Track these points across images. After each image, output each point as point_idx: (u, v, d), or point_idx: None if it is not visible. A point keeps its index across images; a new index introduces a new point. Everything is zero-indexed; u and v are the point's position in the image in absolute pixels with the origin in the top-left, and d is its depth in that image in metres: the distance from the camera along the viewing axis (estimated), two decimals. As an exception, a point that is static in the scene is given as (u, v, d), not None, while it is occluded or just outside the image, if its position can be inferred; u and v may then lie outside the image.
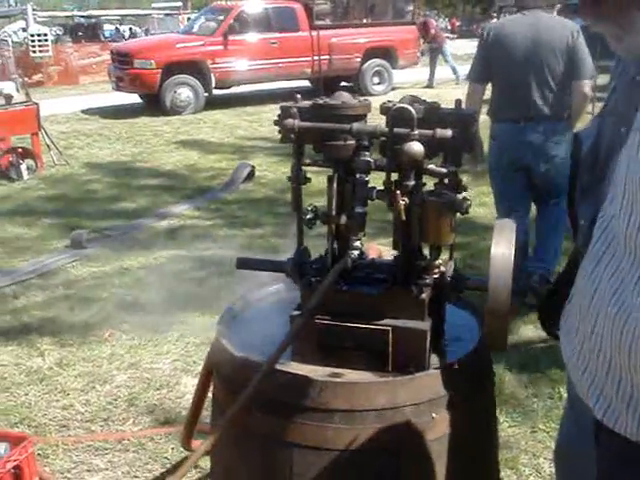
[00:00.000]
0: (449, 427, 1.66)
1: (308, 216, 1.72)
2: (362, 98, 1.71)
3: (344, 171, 1.67)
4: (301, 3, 14.03)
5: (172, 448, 3.25)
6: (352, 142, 1.62)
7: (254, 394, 1.52)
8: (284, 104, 1.68)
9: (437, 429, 1.64)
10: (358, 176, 1.59)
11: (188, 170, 9.02)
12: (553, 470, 3.04)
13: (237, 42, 13.54)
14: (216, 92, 13.98)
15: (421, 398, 1.61)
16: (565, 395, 3.49)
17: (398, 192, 1.52)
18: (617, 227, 1.26)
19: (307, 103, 1.69)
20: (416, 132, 1.51)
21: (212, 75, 13.38)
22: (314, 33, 12.91)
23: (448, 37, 24.23)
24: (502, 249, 1.56)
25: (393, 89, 15.40)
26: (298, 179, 1.72)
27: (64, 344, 4.35)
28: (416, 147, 1.50)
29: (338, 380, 1.61)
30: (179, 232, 6.49)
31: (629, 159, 1.26)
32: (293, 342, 1.69)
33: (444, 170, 1.51)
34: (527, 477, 3.02)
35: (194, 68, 13.27)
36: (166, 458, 3.19)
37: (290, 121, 1.62)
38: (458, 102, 1.59)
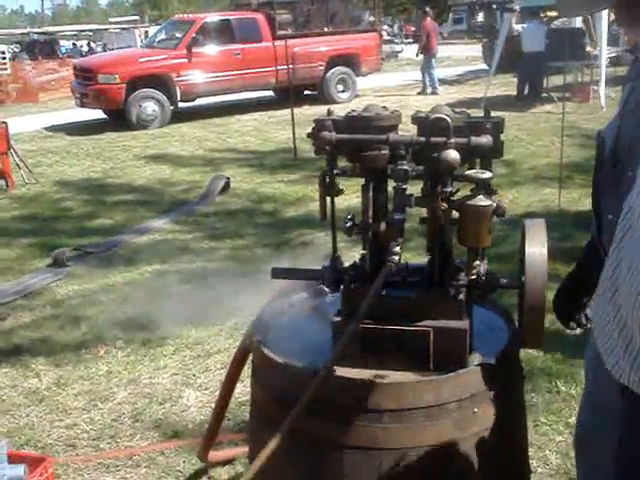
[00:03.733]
0: (489, 421, 1.73)
1: (348, 224, 1.77)
2: (392, 110, 1.76)
3: (378, 180, 1.73)
4: (263, 13, 14.10)
5: (183, 461, 3.27)
6: (386, 152, 1.68)
7: (309, 399, 1.56)
8: (318, 117, 1.73)
9: (479, 423, 1.71)
10: (396, 184, 1.65)
11: (161, 184, 9.00)
12: (560, 462, 3.16)
13: (201, 54, 13.56)
14: (181, 105, 13.96)
15: (464, 394, 1.68)
16: (563, 389, 3.62)
17: (439, 198, 1.59)
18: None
19: (340, 116, 1.75)
20: (452, 140, 1.58)
21: (177, 88, 13.36)
22: (280, 43, 12.99)
23: (403, 42, 24.48)
24: (537, 247, 1.64)
25: (357, 96, 15.54)
26: (332, 190, 1.77)
27: (59, 364, 4.33)
28: (453, 154, 1.56)
29: (386, 381, 1.66)
30: (161, 246, 6.48)
31: None
32: (336, 346, 1.74)
33: (483, 176, 1.58)
34: (535, 469, 3.09)
35: (159, 82, 13.23)
36: (179, 472, 3.20)
37: (326, 134, 1.67)
38: (487, 110, 1.66)
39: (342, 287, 1.79)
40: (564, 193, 6.99)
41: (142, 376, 4.11)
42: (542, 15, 13.21)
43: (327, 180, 1.80)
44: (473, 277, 1.71)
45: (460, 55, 26.17)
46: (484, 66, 19.52)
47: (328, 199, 1.88)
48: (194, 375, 4.09)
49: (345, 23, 15.87)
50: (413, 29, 43.00)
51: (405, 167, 1.64)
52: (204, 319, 4.79)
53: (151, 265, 5.95)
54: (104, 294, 5.42)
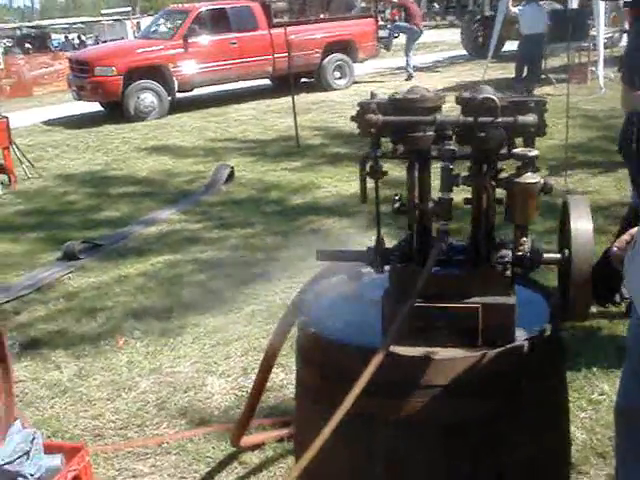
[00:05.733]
0: (536, 395, 1.76)
1: (396, 205, 1.79)
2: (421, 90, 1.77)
3: (422, 161, 1.75)
4: (258, 2, 14.05)
5: (213, 447, 3.30)
6: (431, 133, 1.70)
7: (369, 378, 1.59)
8: (363, 100, 1.75)
9: (526, 397, 1.74)
10: (443, 164, 1.68)
11: (165, 175, 9.00)
12: (585, 437, 3.20)
13: (197, 44, 13.51)
14: (179, 95, 13.93)
15: (512, 368, 1.71)
16: (584, 367, 3.66)
17: (488, 177, 1.62)
18: None
19: (384, 98, 1.77)
20: (500, 120, 1.60)
21: (174, 79, 13.32)
22: (276, 31, 12.98)
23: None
24: (582, 224, 1.66)
25: (355, 82, 15.51)
26: (378, 172, 1.79)
27: (79, 355, 4.36)
28: (501, 133, 1.59)
29: (439, 357, 1.69)
30: (170, 237, 6.50)
31: None
32: (385, 324, 1.77)
33: (531, 154, 1.60)
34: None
35: (156, 72, 13.18)
36: (209, 457, 3.24)
37: (372, 116, 1.69)
38: (529, 89, 1.68)
39: (390, 267, 1.81)
40: (570, 174, 7.02)
41: (163, 365, 4.13)
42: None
43: (369, 163, 1.81)
44: (520, 253, 1.73)
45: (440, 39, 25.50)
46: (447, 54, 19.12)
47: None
48: (215, 363, 4.12)
49: (341, 9, 15.84)
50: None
51: (452, 147, 1.66)
52: (221, 307, 4.82)
53: (162, 255, 5.97)
54: (117, 286, 5.44)
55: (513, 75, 13.66)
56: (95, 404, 3.80)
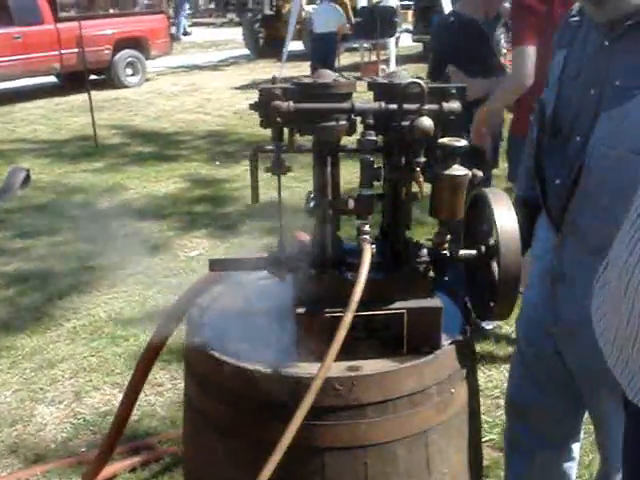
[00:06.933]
0: (463, 400, 1.66)
1: (311, 204, 1.59)
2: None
3: (334, 153, 1.57)
4: (44, -6, 13.07)
5: (53, 486, 2.91)
6: (345, 122, 1.53)
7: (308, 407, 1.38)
8: (264, 86, 1.53)
9: (456, 403, 1.63)
10: (362, 157, 1.51)
11: (-55, 182, 8.04)
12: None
13: (-25, 38, 12.30)
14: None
15: (443, 376, 1.59)
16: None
17: (418, 169, 1.47)
18: None
19: (288, 84, 1.56)
20: (426, 107, 1.46)
21: (-49, 75, 12.06)
22: (63, 25, 12.19)
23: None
24: (506, 220, 1.57)
25: (147, 80, 14.97)
26: (281, 168, 1.58)
27: None
28: (427, 122, 1.45)
29: (368, 372, 1.52)
30: (-36, 250, 5.79)
31: None
32: (301, 341, 1.57)
33: (459, 144, 1.48)
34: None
35: None
36: (51, 499, 2.85)
37: (281, 103, 1.48)
38: (447, 75, 1.56)
39: (297, 274, 1.61)
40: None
41: (-21, 397, 3.62)
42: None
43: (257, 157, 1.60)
44: (444, 252, 1.61)
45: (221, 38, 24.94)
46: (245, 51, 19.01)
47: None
48: (41, 389, 3.68)
49: (130, 5, 15.20)
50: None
51: (373, 138, 1.50)
52: (37, 325, 4.34)
53: (-44, 272, 5.29)
54: None
55: (309, 74, 13.85)
56: None
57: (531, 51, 3.26)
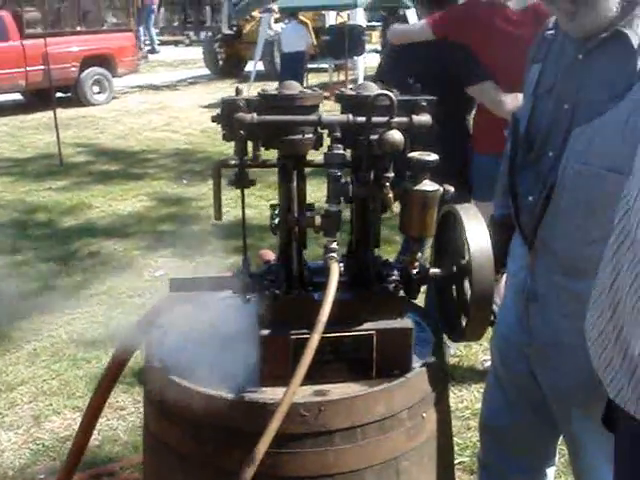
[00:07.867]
0: (434, 424, 1.60)
1: (276, 221, 1.52)
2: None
3: (300, 168, 1.51)
4: (9, 11, 12.91)
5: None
6: (311, 135, 1.47)
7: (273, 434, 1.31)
8: (226, 97, 1.46)
9: (427, 428, 1.57)
10: (330, 171, 1.45)
11: None
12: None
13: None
14: None
15: (413, 400, 1.53)
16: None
17: (387, 184, 1.41)
18: (634, 217, 1.24)
19: (253, 95, 1.50)
20: (396, 119, 1.41)
21: None
22: (29, 42, 12.05)
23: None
24: (479, 237, 1.52)
25: (114, 98, 14.84)
26: (244, 182, 1.51)
27: None
28: (397, 135, 1.40)
29: (336, 397, 1.45)
30: None
31: None
32: (266, 365, 1.50)
33: (430, 158, 1.42)
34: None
35: None
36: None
37: (244, 115, 1.42)
38: (417, 86, 1.51)
39: (262, 295, 1.54)
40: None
41: None
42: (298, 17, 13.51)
43: (237, 172, 1.54)
44: (415, 271, 1.55)
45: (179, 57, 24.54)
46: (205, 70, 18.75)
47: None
48: (-1, 414, 3.54)
49: (98, 23, 15.09)
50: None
51: (341, 152, 1.44)
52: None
53: None
54: None
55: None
56: None
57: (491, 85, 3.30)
